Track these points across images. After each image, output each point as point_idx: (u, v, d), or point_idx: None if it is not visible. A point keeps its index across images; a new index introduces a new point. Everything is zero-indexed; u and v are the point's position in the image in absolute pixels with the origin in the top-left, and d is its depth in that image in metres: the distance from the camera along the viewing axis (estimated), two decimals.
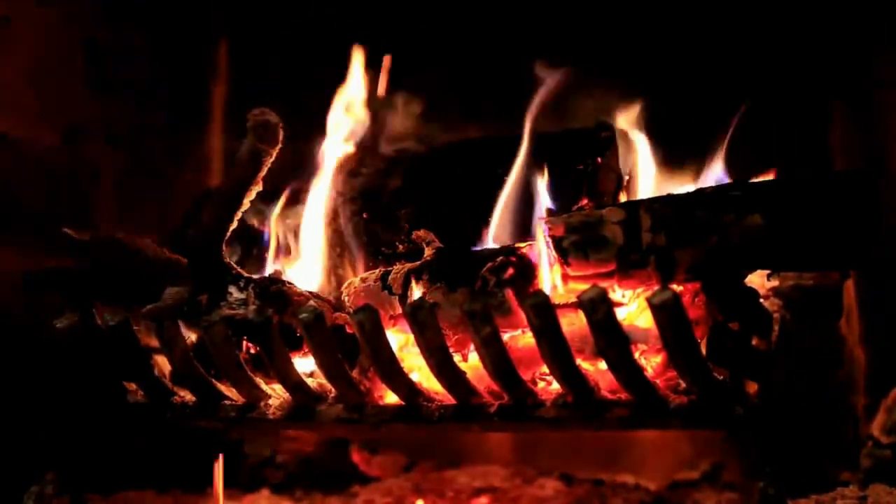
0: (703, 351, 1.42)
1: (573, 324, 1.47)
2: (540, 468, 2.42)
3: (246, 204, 1.73)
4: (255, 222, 1.97)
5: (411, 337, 1.50)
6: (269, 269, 1.90)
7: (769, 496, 1.42)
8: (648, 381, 1.42)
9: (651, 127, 1.84)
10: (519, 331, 1.55)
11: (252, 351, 1.70)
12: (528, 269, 1.59)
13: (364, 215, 1.92)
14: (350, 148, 2.00)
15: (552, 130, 1.85)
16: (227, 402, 1.66)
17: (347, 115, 2.00)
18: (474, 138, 1.99)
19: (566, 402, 1.46)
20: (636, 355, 1.44)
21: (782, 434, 1.86)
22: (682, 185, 1.80)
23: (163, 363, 1.68)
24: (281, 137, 1.70)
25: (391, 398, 1.57)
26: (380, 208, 1.91)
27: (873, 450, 1.93)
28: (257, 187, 1.72)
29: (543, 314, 1.35)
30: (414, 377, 1.56)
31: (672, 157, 1.84)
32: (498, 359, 1.41)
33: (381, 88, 2.04)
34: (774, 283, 1.64)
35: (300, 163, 1.99)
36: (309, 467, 2.44)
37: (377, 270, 1.69)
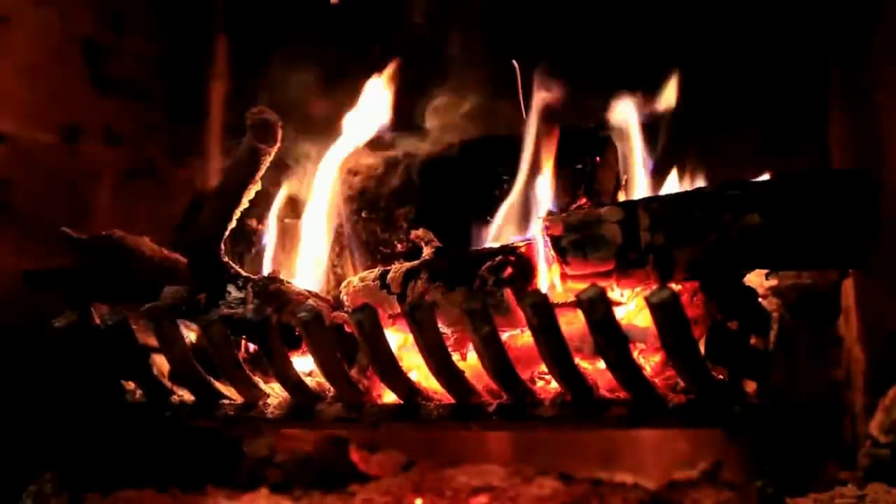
0: (702, 350, 1.42)
1: (572, 323, 1.47)
2: (539, 467, 2.42)
3: (245, 203, 1.73)
4: (253, 221, 1.97)
5: (410, 336, 1.50)
6: (268, 268, 1.90)
7: (768, 495, 1.42)
8: (647, 380, 1.42)
9: (649, 124, 1.84)
10: (517, 330, 1.55)
11: (251, 350, 1.70)
12: (526, 269, 1.59)
13: (363, 214, 1.92)
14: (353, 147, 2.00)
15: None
16: (225, 401, 1.66)
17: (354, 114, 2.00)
18: (474, 137, 1.99)
19: (565, 401, 1.46)
20: (635, 354, 1.44)
21: (781, 433, 1.86)
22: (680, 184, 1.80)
23: (161, 362, 1.68)
24: (280, 136, 1.70)
25: (390, 397, 1.57)
26: (379, 207, 1.91)
27: (872, 449, 1.93)
28: (256, 186, 1.72)
29: (542, 313, 1.35)
30: (413, 376, 1.56)
31: (670, 156, 1.84)
32: (496, 358, 1.41)
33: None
34: (773, 282, 1.64)
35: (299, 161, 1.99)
36: (308, 466, 2.44)
37: (376, 269, 1.69)
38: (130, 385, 1.72)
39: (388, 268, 1.67)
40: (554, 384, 1.50)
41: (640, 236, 1.48)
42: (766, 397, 1.43)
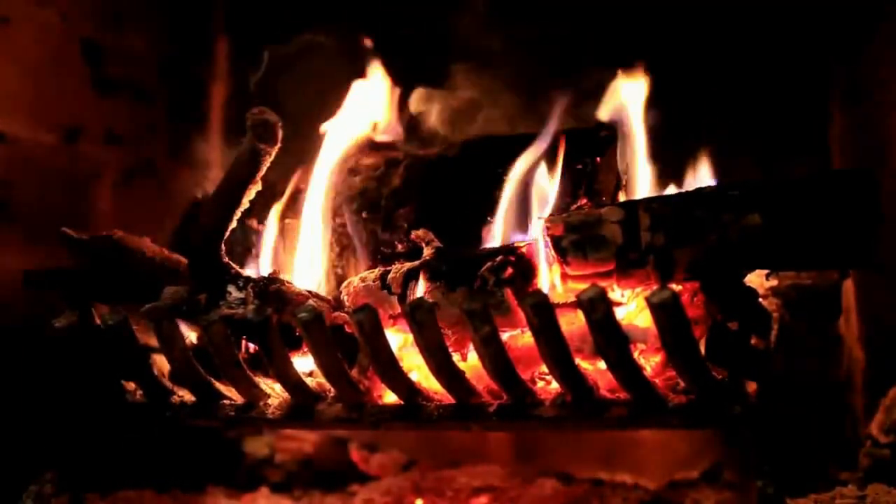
0: (702, 350, 1.42)
1: (572, 323, 1.47)
2: (539, 468, 2.42)
3: (245, 203, 1.73)
4: (254, 221, 1.97)
5: (410, 336, 1.50)
6: (269, 268, 1.90)
7: (768, 495, 1.42)
8: (647, 380, 1.42)
9: (650, 126, 1.84)
10: (518, 330, 1.55)
11: (251, 350, 1.69)
12: (527, 269, 1.59)
13: (363, 214, 1.92)
14: (352, 146, 2.00)
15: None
16: (226, 401, 1.66)
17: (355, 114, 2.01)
18: (474, 137, 1.99)
19: (565, 402, 1.46)
20: (635, 354, 1.44)
21: (781, 433, 1.86)
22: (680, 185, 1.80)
23: (162, 362, 1.68)
24: (280, 136, 1.70)
25: (390, 397, 1.57)
26: (379, 207, 1.91)
27: (872, 449, 1.93)
28: (256, 187, 1.72)
29: (542, 313, 1.35)
30: (413, 377, 1.56)
31: (669, 155, 1.84)
32: (497, 358, 1.41)
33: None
34: (773, 282, 1.64)
35: (300, 162, 1.99)
36: (308, 466, 2.44)
37: (376, 270, 1.69)
38: (130, 385, 1.72)
39: (389, 268, 1.67)
40: (554, 384, 1.50)
41: (640, 236, 1.48)
42: (766, 398, 1.43)
